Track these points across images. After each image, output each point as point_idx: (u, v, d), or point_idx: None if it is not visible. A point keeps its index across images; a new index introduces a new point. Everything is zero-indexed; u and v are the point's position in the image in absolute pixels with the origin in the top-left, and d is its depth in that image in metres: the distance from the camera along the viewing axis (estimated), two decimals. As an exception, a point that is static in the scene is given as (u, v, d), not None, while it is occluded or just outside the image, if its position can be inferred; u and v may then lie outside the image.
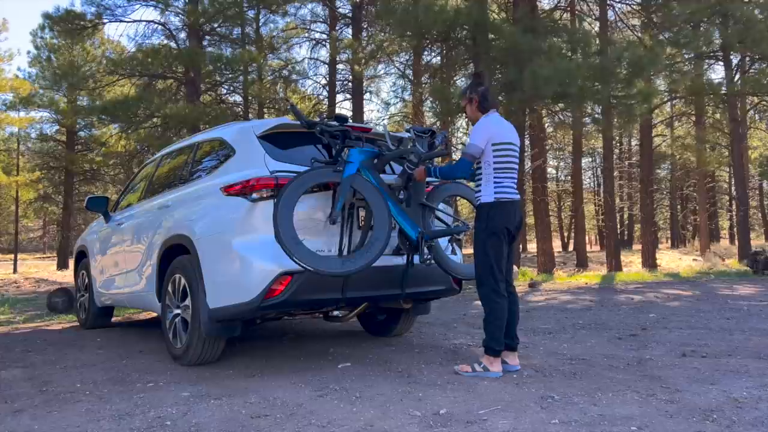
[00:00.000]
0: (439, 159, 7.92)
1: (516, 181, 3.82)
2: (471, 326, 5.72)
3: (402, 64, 18.53)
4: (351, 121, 4.30)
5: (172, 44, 15.88)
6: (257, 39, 16.79)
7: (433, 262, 4.01)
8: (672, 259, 21.32)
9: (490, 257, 3.69)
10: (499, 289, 3.69)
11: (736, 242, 20.00)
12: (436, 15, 11.32)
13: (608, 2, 16.45)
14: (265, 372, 3.90)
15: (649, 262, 17.24)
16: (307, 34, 19.34)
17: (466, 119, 15.58)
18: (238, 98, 19.13)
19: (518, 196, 3.81)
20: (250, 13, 16.38)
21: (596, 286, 10.20)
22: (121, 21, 15.55)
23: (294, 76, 18.25)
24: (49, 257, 38.47)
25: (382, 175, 3.98)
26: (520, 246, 22.28)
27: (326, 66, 18.73)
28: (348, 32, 18.62)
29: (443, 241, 4.35)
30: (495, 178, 3.71)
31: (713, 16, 15.12)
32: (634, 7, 17.17)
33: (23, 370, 4.26)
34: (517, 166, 3.81)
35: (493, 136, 3.71)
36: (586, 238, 25.78)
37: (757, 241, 27.08)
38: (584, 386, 3.37)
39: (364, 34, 17.63)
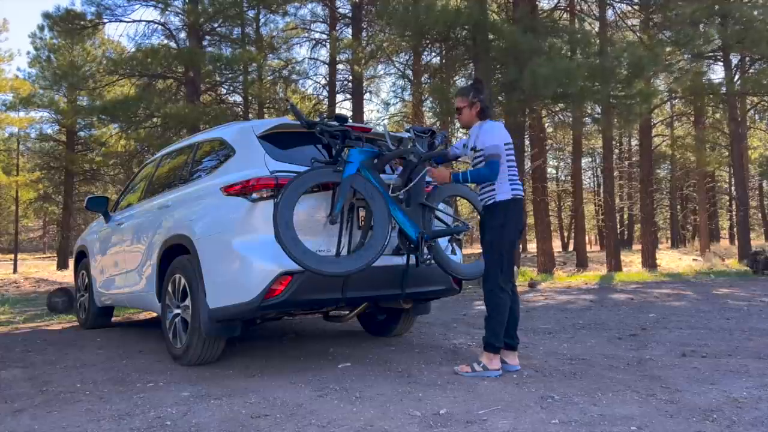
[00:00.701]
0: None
1: None
2: (471, 326, 5.72)
3: (402, 64, 18.54)
4: (351, 121, 4.29)
5: (172, 44, 15.89)
6: (257, 39, 16.78)
7: (433, 262, 4.01)
8: (672, 259, 21.32)
9: (503, 255, 3.72)
10: (505, 287, 3.73)
11: (736, 242, 19.99)
12: (436, 15, 11.32)
13: (608, 2, 16.44)
14: (265, 372, 3.91)
15: (649, 262, 17.24)
16: (307, 34, 19.35)
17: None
18: (238, 98, 19.14)
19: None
20: (250, 13, 16.39)
21: (596, 286, 10.19)
22: (121, 21, 15.57)
23: (294, 76, 18.26)
24: (49, 257, 38.45)
25: (382, 175, 3.98)
26: (520, 246, 22.28)
27: (326, 66, 18.73)
28: (348, 32, 18.62)
29: (443, 241, 4.35)
30: (510, 176, 3.76)
31: (713, 17, 15.12)
32: (634, 7, 17.16)
33: (23, 370, 4.26)
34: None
35: (504, 136, 3.79)
36: (586, 238, 25.79)
37: (757, 241, 27.07)
38: (584, 386, 3.37)
39: (364, 34, 17.63)
